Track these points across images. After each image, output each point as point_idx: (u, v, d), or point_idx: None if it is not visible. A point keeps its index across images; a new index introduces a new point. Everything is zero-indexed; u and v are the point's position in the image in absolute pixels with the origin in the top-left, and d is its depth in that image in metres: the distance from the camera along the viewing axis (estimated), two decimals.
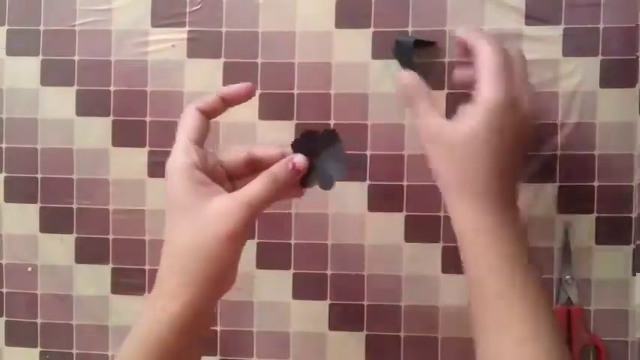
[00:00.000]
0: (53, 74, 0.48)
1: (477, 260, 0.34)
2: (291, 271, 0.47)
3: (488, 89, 0.34)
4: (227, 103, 0.38)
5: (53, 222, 0.48)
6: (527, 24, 0.45)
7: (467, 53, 0.37)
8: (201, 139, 0.36)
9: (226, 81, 0.47)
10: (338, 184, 0.37)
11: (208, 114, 0.37)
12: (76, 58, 0.48)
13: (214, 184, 0.34)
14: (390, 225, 0.46)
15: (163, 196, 0.46)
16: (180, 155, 0.34)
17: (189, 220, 0.33)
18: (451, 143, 0.35)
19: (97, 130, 0.48)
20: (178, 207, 0.34)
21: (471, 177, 0.34)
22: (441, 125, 0.35)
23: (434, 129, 0.35)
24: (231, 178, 0.38)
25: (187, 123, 0.36)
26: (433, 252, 0.46)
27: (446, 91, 0.46)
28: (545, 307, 0.33)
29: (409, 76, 0.38)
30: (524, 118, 0.35)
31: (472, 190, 0.34)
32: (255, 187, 0.34)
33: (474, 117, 0.34)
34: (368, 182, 0.46)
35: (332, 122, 0.46)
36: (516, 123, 0.34)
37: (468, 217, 0.34)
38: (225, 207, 0.33)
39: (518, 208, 0.36)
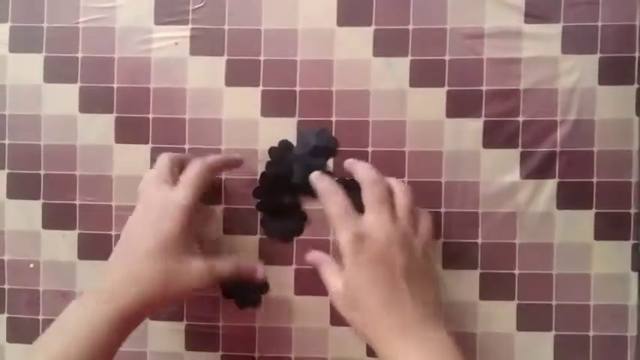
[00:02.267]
0: (56, 71, 0.48)
1: None
2: (293, 267, 0.47)
3: (337, 234, 0.38)
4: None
5: (56, 218, 0.48)
6: (526, 22, 0.46)
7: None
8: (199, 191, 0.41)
9: (229, 78, 0.47)
10: None
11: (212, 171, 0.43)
12: (80, 55, 0.48)
13: (195, 242, 0.41)
14: None
15: None
16: (185, 193, 0.40)
17: (165, 262, 0.38)
18: (341, 300, 0.38)
19: (100, 127, 0.48)
20: (164, 242, 0.38)
21: (370, 321, 0.37)
22: (336, 285, 0.39)
23: (334, 289, 0.39)
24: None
25: (195, 171, 0.41)
26: (433, 248, 0.46)
27: (446, 88, 0.46)
28: None
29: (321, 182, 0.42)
30: (409, 242, 0.38)
31: (375, 330, 0.36)
32: (225, 266, 0.41)
33: (345, 269, 0.38)
34: None
35: (333, 119, 0.47)
36: (392, 252, 0.37)
37: (385, 355, 0.36)
38: (200, 272, 0.39)
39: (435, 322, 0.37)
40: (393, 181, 0.41)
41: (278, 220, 0.47)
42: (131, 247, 0.39)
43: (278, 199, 0.46)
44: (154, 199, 0.40)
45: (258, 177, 0.47)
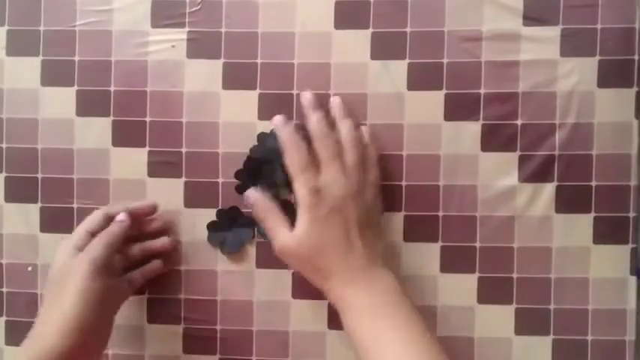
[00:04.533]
0: (53, 74, 0.48)
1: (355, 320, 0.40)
2: (291, 270, 0.47)
3: (295, 188, 0.41)
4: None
5: (53, 221, 0.48)
6: (525, 24, 0.45)
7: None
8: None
9: (226, 82, 0.47)
10: None
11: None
12: (77, 58, 0.48)
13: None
14: (389, 225, 0.46)
15: (164, 196, 0.47)
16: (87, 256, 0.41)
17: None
18: (294, 253, 0.41)
19: (98, 130, 0.48)
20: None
21: (324, 268, 0.40)
22: (286, 239, 0.41)
23: (281, 243, 0.41)
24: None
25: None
26: (431, 252, 0.46)
27: (444, 91, 0.46)
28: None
29: (254, 195, 0.43)
30: (360, 193, 0.41)
31: (329, 276, 0.40)
32: (135, 275, 0.46)
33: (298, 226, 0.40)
34: None
35: None
36: (345, 204, 0.40)
37: (336, 294, 0.41)
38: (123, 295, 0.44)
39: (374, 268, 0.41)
40: (344, 132, 0.43)
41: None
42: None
43: (259, 181, 0.46)
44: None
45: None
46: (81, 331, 0.38)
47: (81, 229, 0.43)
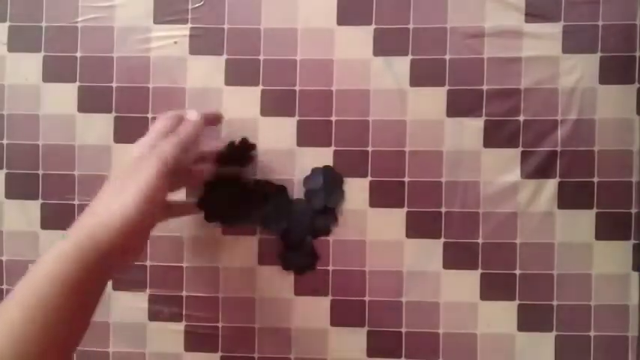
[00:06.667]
0: (55, 71, 0.48)
1: None
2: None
3: None
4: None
5: (54, 218, 0.48)
6: (527, 21, 0.46)
7: None
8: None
9: (228, 78, 0.47)
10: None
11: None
12: (78, 54, 0.48)
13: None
14: (392, 221, 0.46)
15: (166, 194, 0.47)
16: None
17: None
18: None
19: (99, 127, 0.48)
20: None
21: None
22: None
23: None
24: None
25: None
26: (434, 248, 0.46)
27: (447, 87, 0.46)
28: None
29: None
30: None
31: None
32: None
33: None
34: (369, 178, 0.46)
35: (333, 119, 0.47)
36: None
37: None
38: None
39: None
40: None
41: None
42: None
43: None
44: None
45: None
46: (138, 234, 0.35)
47: (155, 129, 0.40)
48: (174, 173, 0.38)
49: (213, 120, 0.45)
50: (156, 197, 0.36)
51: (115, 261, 0.35)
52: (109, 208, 0.35)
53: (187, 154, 0.40)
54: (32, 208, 0.48)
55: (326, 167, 0.46)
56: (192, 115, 0.41)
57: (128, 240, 0.35)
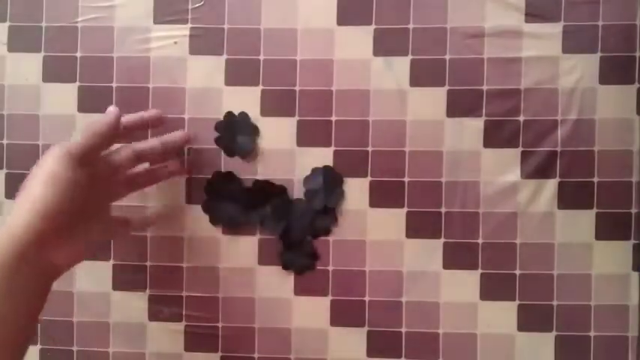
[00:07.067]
0: (55, 71, 0.48)
1: None
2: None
3: None
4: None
5: None
6: (527, 21, 0.46)
7: None
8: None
9: (228, 78, 0.47)
10: None
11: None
12: (78, 54, 0.48)
13: None
14: (391, 221, 0.46)
15: (165, 194, 0.47)
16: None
17: None
18: None
19: None
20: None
21: None
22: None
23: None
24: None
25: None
26: (434, 248, 0.46)
27: (447, 87, 0.46)
28: None
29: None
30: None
31: None
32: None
33: None
34: (369, 178, 0.46)
35: (333, 119, 0.47)
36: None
37: None
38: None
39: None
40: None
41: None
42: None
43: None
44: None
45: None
46: (46, 216, 0.36)
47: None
48: (102, 172, 0.40)
49: (155, 122, 0.46)
50: (55, 180, 0.36)
51: (34, 254, 0.35)
52: (19, 199, 0.37)
53: (103, 143, 0.39)
54: None
55: (326, 167, 0.46)
56: (110, 107, 0.40)
57: (41, 224, 0.35)
